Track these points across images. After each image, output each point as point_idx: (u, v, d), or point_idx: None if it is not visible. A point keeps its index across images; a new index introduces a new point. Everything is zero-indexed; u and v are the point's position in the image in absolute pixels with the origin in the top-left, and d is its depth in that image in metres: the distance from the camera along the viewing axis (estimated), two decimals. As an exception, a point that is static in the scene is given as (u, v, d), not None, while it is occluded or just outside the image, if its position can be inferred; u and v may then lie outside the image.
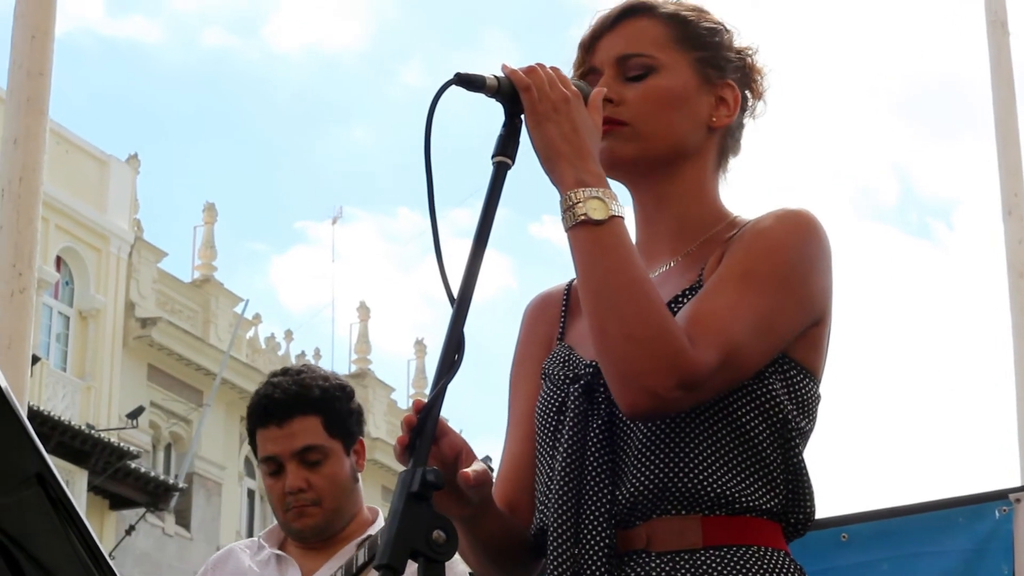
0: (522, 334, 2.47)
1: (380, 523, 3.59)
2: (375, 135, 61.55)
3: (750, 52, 2.44)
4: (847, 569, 4.07)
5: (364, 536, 3.54)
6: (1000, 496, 4.04)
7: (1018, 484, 4.50)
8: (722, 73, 2.38)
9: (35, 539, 1.73)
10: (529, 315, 2.48)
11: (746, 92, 2.42)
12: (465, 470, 2.13)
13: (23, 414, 1.74)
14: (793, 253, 2.23)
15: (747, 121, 2.43)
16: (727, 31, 2.42)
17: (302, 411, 3.53)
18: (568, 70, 2.36)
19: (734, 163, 2.44)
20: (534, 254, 55.67)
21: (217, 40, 55.37)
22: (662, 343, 2.10)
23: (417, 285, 51.61)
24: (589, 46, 2.39)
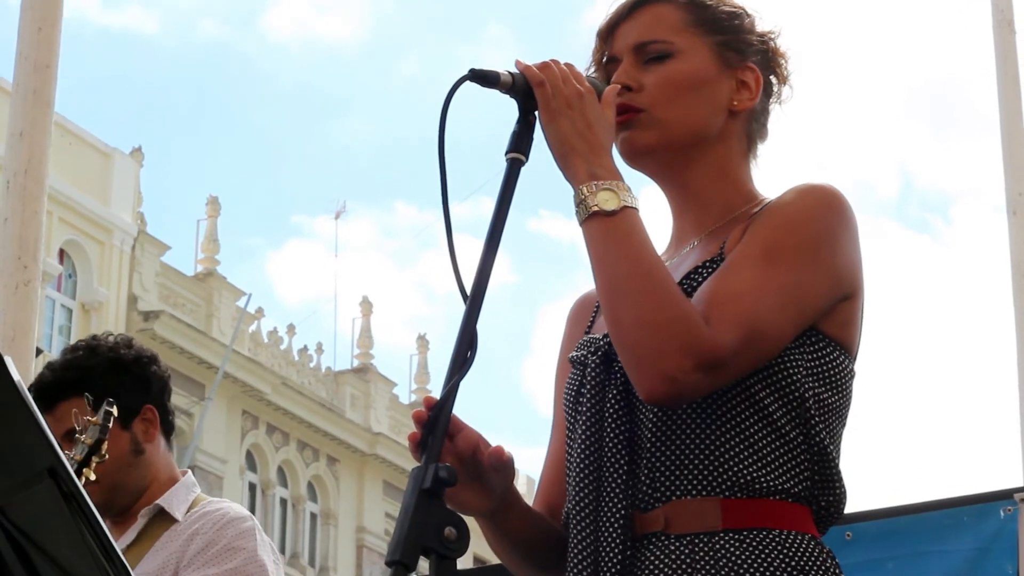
0: (564, 338, 2.46)
1: (179, 489, 3.56)
2: (371, 129, 61.42)
3: (773, 36, 2.40)
4: (851, 568, 4.04)
5: (152, 506, 3.53)
6: (1005, 496, 4.05)
7: (1023, 484, 4.50)
8: (743, 56, 2.36)
9: (47, 533, 1.72)
10: (570, 318, 2.47)
11: (770, 77, 2.39)
12: (497, 446, 2.12)
13: (36, 408, 1.74)
14: (816, 226, 2.20)
15: (773, 106, 2.40)
16: (748, 15, 2.39)
17: (64, 396, 3.52)
18: (578, 62, 2.34)
19: (762, 149, 2.40)
20: (532, 249, 55.60)
21: (213, 32, 55.29)
22: (674, 325, 2.07)
23: (415, 280, 51.54)
24: (607, 34, 2.38)
